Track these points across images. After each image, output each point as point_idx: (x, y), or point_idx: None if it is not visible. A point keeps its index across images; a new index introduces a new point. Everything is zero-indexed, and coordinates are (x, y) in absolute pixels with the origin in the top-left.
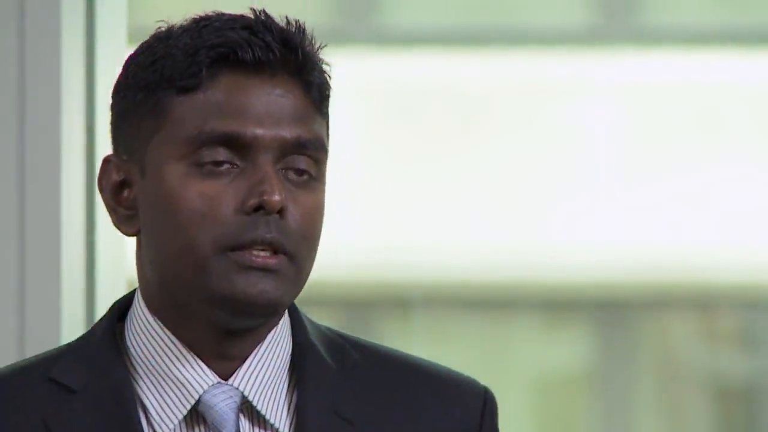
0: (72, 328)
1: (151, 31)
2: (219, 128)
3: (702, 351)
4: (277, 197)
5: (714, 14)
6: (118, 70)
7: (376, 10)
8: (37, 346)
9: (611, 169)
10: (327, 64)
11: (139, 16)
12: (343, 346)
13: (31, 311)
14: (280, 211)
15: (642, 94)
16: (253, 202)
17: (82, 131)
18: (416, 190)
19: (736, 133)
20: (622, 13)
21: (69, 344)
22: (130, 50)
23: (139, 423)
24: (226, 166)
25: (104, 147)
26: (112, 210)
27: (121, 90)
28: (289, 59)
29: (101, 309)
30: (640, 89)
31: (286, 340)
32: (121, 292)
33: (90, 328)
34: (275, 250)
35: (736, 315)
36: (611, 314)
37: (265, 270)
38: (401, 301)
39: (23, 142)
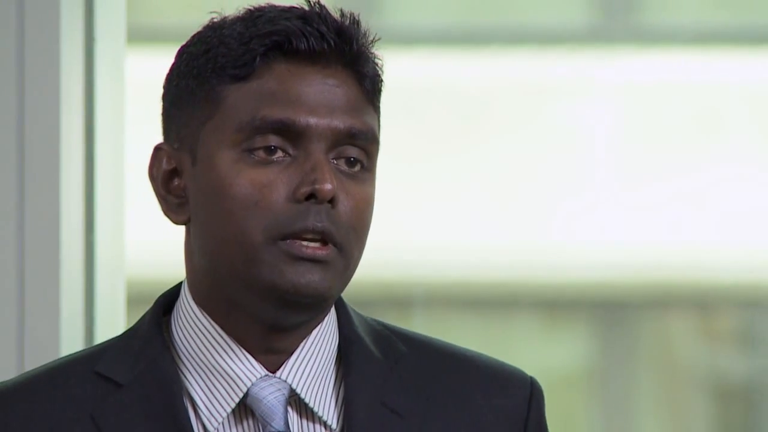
0: (72, 328)
1: (151, 31)
2: (272, 116)
3: (702, 351)
4: (329, 186)
5: (714, 14)
6: (118, 70)
7: (377, 10)
8: (37, 346)
9: (611, 169)
10: (379, 58)
11: (138, 16)
12: (389, 337)
13: (31, 311)
14: (332, 201)
15: (642, 94)
16: (305, 190)
17: (82, 131)
18: (416, 189)
19: (736, 133)
20: (622, 13)
21: (112, 339)
22: (130, 50)
23: (188, 417)
24: (278, 154)
25: (104, 147)
26: (162, 198)
27: (173, 79)
28: (343, 50)
29: (101, 309)
30: (640, 89)
31: (332, 333)
32: (121, 292)
33: (123, 324)
34: (324, 240)
35: (736, 315)
36: (611, 314)
37: (314, 261)
38: (401, 300)
39: (23, 142)
